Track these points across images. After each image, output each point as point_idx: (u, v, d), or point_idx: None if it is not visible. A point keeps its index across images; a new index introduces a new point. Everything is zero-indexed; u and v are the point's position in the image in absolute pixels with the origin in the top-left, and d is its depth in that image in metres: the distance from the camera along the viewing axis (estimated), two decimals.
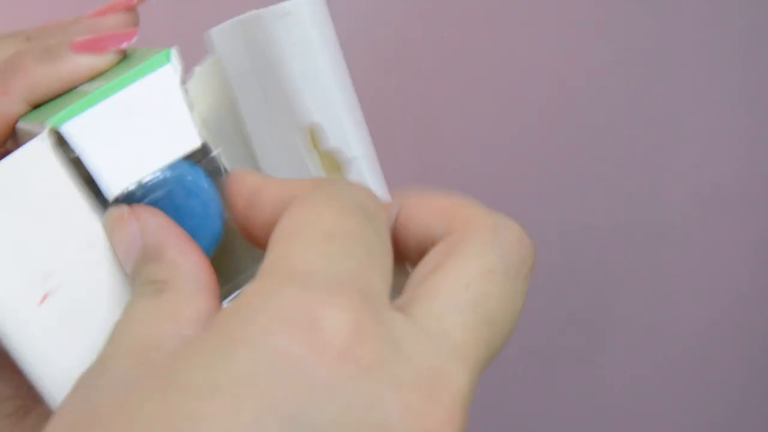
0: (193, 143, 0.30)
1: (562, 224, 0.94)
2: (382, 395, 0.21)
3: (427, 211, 0.27)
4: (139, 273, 0.27)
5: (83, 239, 0.29)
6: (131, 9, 0.33)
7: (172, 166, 0.30)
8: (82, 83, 0.32)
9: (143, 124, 0.30)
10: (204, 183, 0.30)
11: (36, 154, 0.28)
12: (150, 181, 0.30)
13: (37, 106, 0.32)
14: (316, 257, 0.23)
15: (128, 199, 0.29)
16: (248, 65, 0.32)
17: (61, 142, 0.29)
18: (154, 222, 0.28)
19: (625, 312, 0.96)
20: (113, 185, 0.29)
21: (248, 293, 0.23)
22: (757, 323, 0.97)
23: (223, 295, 0.28)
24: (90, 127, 0.29)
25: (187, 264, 0.27)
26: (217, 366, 0.21)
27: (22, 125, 0.32)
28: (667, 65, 0.93)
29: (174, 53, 0.31)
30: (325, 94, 0.31)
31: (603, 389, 0.97)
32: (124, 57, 0.32)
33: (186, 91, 0.30)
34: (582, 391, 0.96)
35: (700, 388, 0.97)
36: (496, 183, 0.92)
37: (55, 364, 0.28)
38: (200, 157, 0.31)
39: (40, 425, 0.32)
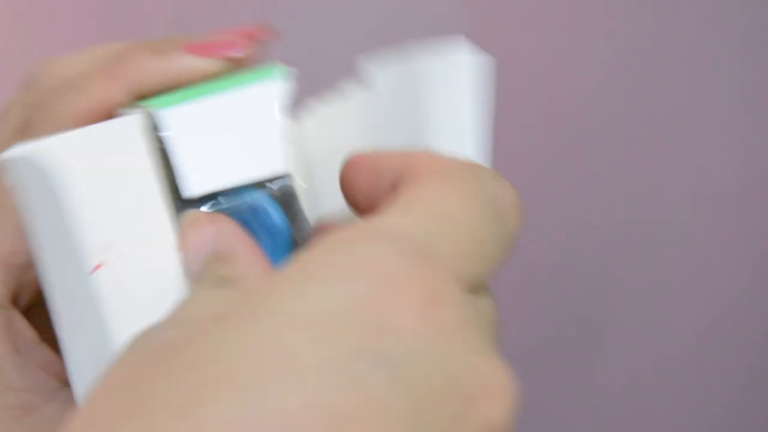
0: (280, 169, 0.29)
1: (561, 224, 0.94)
2: (464, 355, 0.22)
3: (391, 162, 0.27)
4: (205, 270, 0.27)
5: (147, 224, 0.28)
6: (251, 37, 0.33)
7: (252, 188, 0.29)
8: (186, 83, 0.31)
9: (238, 132, 0.29)
10: (277, 218, 0.30)
11: (125, 129, 0.28)
12: (226, 193, 0.29)
13: (138, 98, 0.31)
14: (416, 228, 0.23)
15: (198, 202, 0.29)
16: (399, 120, 0.30)
17: (152, 128, 0.29)
18: (230, 230, 0.28)
19: (624, 312, 0.96)
20: (193, 185, 0.29)
21: (336, 237, 0.22)
22: (758, 323, 0.97)
23: None
24: (185, 120, 0.29)
25: (256, 271, 0.27)
26: (307, 299, 0.21)
27: (120, 113, 0.31)
28: (668, 64, 0.93)
29: (289, 72, 0.30)
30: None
31: (603, 389, 0.97)
32: (235, 69, 0.32)
33: (295, 120, 0.30)
34: (581, 391, 0.96)
35: (700, 388, 0.97)
36: None
37: (89, 334, 0.27)
38: (280, 186, 0.30)
39: (42, 427, 0.31)
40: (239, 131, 0.29)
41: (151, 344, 0.22)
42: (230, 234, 0.28)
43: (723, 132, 0.94)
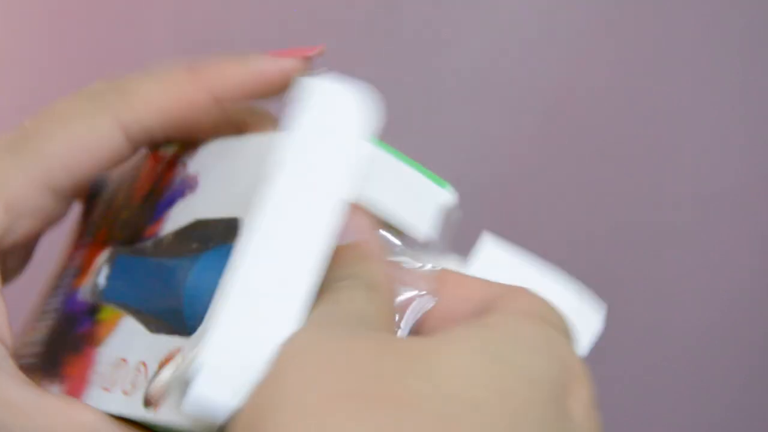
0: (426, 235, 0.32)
1: (562, 225, 0.94)
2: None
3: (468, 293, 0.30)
4: (349, 264, 0.28)
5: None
6: (306, 58, 0.34)
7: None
8: (271, 87, 0.33)
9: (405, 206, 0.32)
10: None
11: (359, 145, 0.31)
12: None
13: (219, 101, 0.32)
14: (562, 323, 0.27)
15: None
16: None
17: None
18: (377, 234, 0.30)
19: (624, 312, 0.96)
20: (421, 225, 0.32)
21: (509, 307, 0.26)
22: (758, 324, 0.97)
23: None
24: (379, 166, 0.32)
25: (391, 289, 0.28)
26: (503, 362, 0.24)
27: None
28: (669, 65, 0.93)
29: (452, 193, 0.34)
30: None
31: (603, 391, 0.96)
32: (308, 70, 0.33)
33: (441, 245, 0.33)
34: None
35: (700, 388, 0.97)
36: (496, 184, 0.92)
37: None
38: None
39: None
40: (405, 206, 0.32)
41: (336, 335, 0.24)
42: (377, 237, 0.30)
43: (724, 132, 0.94)
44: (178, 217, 0.32)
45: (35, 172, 0.32)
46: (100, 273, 0.33)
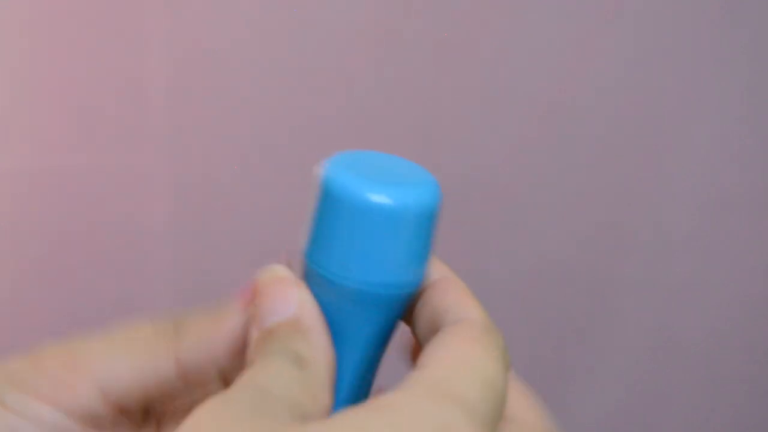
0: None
1: (565, 228, 0.94)
2: None
3: (438, 302, 0.33)
4: (282, 336, 0.30)
5: None
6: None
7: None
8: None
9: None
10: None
11: None
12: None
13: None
14: (476, 395, 0.28)
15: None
16: None
17: None
18: (312, 305, 0.31)
19: (628, 316, 0.96)
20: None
21: (415, 391, 0.27)
22: (763, 328, 0.96)
23: None
24: None
25: (326, 358, 0.30)
26: None
27: None
28: (671, 67, 0.93)
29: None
30: None
31: (605, 393, 0.96)
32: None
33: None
34: (584, 395, 0.96)
35: (704, 391, 0.97)
36: (497, 186, 0.92)
37: None
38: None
39: None
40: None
41: (235, 415, 0.26)
42: (312, 309, 0.31)
43: (729, 136, 0.94)
44: None
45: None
46: None
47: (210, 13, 0.89)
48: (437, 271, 0.34)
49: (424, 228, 0.32)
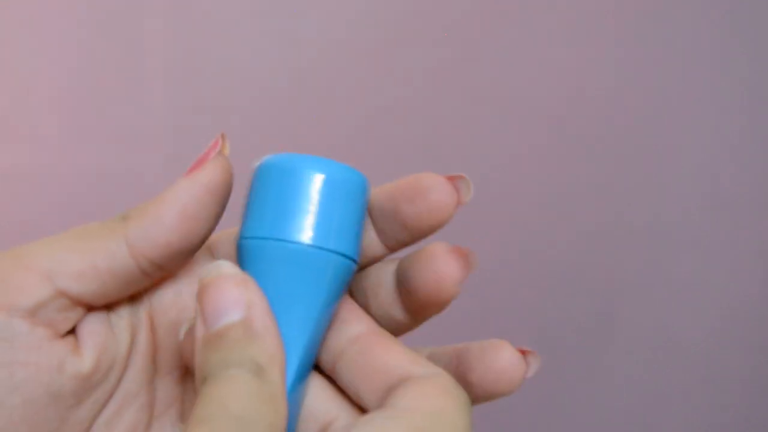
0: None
1: (563, 227, 0.94)
2: None
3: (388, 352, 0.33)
4: (236, 346, 0.29)
5: None
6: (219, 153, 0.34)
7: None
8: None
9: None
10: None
11: None
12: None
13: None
14: None
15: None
16: None
17: None
18: (262, 303, 0.30)
19: (631, 314, 0.96)
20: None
21: None
22: (763, 329, 0.96)
23: None
24: None
25: (280, 359, 0.30)
26: None
27: None
28: (673, 65, 0.93)
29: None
30: None
31: (608, 392, 0.96)
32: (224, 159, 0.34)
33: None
34: (587, 393, 0.96)
35: (707, 390, 0.97)
36: (496, 186, 0.92)
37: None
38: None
39: None
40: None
41: None
42: (261, 309, 0.30)
43: (729, 137, 0.94)
44: None
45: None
46: None
47: (210, 13, 0.89)
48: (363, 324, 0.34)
49: (352, 203, 0.33)
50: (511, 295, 0.93)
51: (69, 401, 0.31)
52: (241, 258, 0.33)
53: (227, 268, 0.30)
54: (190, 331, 0.33)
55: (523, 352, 0.35)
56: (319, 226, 0.33)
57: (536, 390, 0.97)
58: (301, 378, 0.33)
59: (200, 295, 0.30)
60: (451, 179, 0.34)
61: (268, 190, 0.33)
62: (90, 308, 0.33)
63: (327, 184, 0.33)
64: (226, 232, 0.36)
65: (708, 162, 0.94)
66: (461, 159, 0.91)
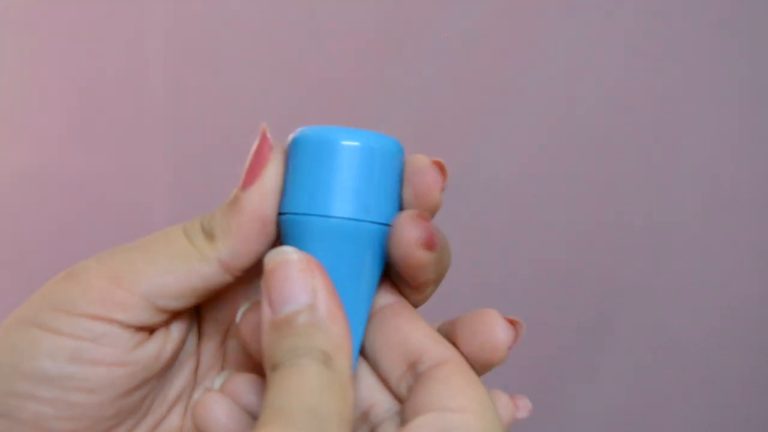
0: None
1: (563, 227, 0.94)
2: None
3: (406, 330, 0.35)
4: (305, 334, 0.30)
5: None
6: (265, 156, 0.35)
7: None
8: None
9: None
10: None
11: None
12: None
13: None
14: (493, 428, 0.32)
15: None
16: None
17: None
18: (327, 287, 0.31)
19: (630, 315, 0.96)
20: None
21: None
22: (763, 329, 0.96)
23: None
24: None
25: (347, 345, 0.31)
26: None
27: None
28: (673, 63, 0.93)
29: None
30: None
31: (607, 395, 0.96)
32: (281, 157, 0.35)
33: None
34: (585, 397, 0.96)
35: (705, 395, 0.97)
36: (497, 186, 0.92)
37: None
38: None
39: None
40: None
41: None
42: (326, 294, 0.31)
43: (729, 137, 0.94)
44: None
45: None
46: None
47: (210, 14, 0.89)
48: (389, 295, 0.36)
49: (389, 169, 0.34)
50: (511, 294, 0.93)
51: (150, 385, 0.35)
52: (285, 234, 0.34)
53: (292, 254, 0.31)
54: (249, 312, 0.35)
55: (512, 322, 0.37)
56: (360, 197, 0.33)
57: (536, 390, 0.96)
58: (357, 356, 0.34)
59: (267, 280, 0.31)
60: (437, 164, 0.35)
61: (306, 163, 0.34)
62: None
63: (363, 155, 0.34)
64: None
65: (708, 162, 0.94)
66: (461, 159, 0.91)
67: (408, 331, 0.34)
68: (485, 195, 0.92)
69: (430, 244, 0.33)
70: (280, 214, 0.34)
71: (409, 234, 0.33)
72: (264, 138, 0.35)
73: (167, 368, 0.36)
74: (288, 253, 0.31)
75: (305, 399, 0.28)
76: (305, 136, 0.34)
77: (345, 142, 0.34)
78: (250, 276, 0.36)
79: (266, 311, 0.31)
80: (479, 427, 0.31)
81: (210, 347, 0.38)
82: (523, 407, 0.37)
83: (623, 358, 0.96)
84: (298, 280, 0.31)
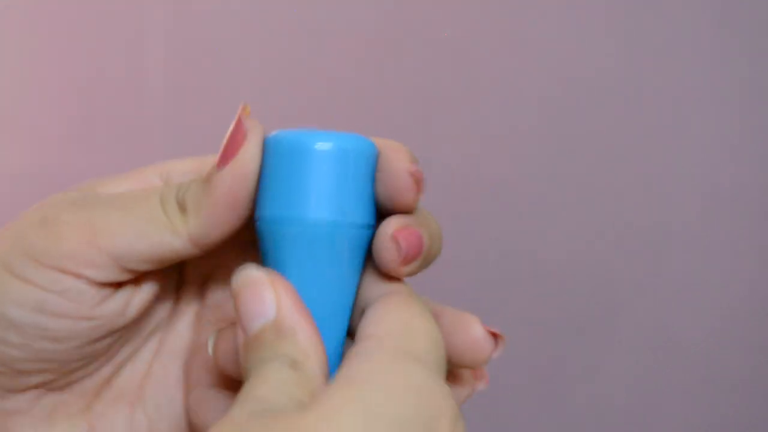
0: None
1: (563, 227, 0.94)
2: None
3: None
4: (271, 345, 0.31)
5: None
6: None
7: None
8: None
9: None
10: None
11: None
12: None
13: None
14: (429, 350, 0.31)
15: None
16: None
17: None
18: (290, 299, 0.32)
19: (628, 318, 0.96)
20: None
21: (381, 357, 0.30)
22: (763, 329, 0.96)
23: None
24: None
25: (317, 351, 0.31)
26: (370, 413, 0.28)
27: None
28: (673, 63, 0.93)
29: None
30: None
31: (607, 395, 0.96)
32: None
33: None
34: (585, 397, 0.96)
35: (705, 395, 0.97)
36: (497, 186, 0.92)
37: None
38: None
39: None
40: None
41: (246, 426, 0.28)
42: (290, 305, 0.32)
43: (729, 137, 0.94)
44: None
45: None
46: None
47: (210, 14, 0.89)
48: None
49: (362, 169, 0.34)
50: (511, 294, 0.93)
51: (118, 333, 0.36)
52: (262, 238, 0.34)
53: (253, 272, 0.32)
54: (219, 341, 0.36)
55: (493, 334, 0.36)
56: (335, 200, 0.33)
57: (536, 390, 0.97)
58: (340, 354, 0.34)
59: (235, 303, 0.32)
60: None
61: (280, 167, 0.34)
62: None
63: (337, 157, 0.34)
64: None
65: (708, 162, 0.94)
66: (461, 159, 0.91)
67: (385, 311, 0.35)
68: (485, 194, 0.92)
69: (413, 257, 0.34)
70: (255, 219, 0.34)
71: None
72: (239, 118, 0.35)
73: (137, 320, 0.37)
74: (250, 272, 0.32)
75: (257, 392, 0.29)
76: (278, 140, 0.34)
77: (318, 145, 0.34)
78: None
79: (239, 335, 0.32)
80: (392, 352, 0.31)
81: (191, 290, 0.39)
82: (500, 346, 0.37)
83: (623, 358, 0.96)
84: (262, 297, 0.32)
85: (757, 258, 0.96)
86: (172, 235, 0.34)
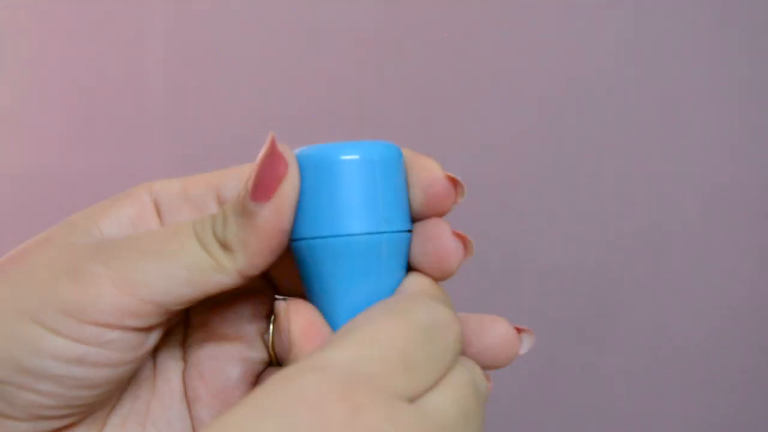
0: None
1: (563, 228, 0.94)
2: None
3: None
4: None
5: None
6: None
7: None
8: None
9: None
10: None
11: None
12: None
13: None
14: (347, 356, 0.30)
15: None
16: None
17: None
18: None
19: (628, 318, 0.96)
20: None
21: (281, 374, 0.30)
22: (763, 329, 0.96)
23: None
24: None
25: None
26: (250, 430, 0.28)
27: None
28: (673, 63, 0.93)
29: None
30: None
31: (607, 395, 0.96)
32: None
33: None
34: (585, 397, 0.96)
35: (705, 395, 0.97)
36: (497, 187, 0.92)
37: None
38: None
39: None
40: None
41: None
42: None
43: (729, 137, 0.94)
44: None
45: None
46: None
47: (210, 14, 0.89)
48: None
49: (392, 175, 0.34)
50: (511, 294, 0.93)
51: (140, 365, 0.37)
52: (303, 257, 0.35)
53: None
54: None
55: (519, 330, 0.37)
56: (374, 210, 0.34)
57: (536, 390, 0.97)
58: None
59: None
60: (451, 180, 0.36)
61: (311, 186, 0.34)
62: None
63: (366, 167, 0.34)
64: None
65: (708, 162, 0.94)
66: (462, 158, 0.91)
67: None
68: (486, 195, 0.92)
69: (462, 262, 0.35)
70: (293, 239, 0.34)
71: (451, 246, 0.35)
72: (275, 149, 0.34)
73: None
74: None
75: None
76: (307, 157, 0.34)
77: (345, 157, 0.34)
78: None
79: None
80: (347, 360, 0.30)
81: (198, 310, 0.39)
82: (527, 341, 0.38)
83: (623, 358, 0.96)
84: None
85: (757, 258, 0.96)
86: (220, 274, 0.34)
